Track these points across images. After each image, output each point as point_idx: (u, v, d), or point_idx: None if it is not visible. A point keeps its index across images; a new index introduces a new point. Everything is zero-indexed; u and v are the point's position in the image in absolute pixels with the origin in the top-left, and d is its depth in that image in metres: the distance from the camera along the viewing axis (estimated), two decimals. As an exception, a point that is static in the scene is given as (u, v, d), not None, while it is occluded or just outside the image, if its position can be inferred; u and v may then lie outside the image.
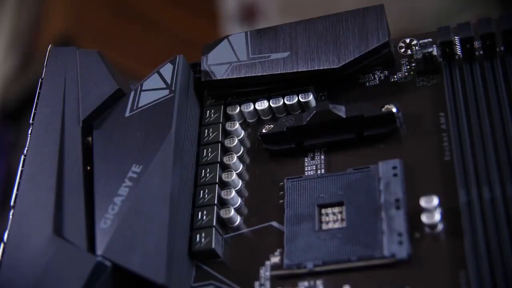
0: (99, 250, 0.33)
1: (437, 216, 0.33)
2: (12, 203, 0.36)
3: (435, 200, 0.33)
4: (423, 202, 0.33)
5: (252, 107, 0.39)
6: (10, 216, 0.36)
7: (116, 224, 0.34)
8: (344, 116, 0.36)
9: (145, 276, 0.32)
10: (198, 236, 0.36)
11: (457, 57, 0.37)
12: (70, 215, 0.34)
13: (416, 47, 0.38)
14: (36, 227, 0.34)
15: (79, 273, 0.32)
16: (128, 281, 0.33)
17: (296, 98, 0.38)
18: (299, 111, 0.39)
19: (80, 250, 0.33)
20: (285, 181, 0.37)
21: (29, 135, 0.38)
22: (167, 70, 0.39)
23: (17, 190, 0.36)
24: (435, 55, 0.37)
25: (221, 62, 0.39)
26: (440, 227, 0.33)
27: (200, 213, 0.36)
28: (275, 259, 0.35)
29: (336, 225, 0.34)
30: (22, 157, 0.37)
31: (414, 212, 0.33)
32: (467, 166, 0.33)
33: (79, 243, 0.33)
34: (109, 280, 0.33)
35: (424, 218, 0.33)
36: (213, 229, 0.36)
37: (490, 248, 0.31)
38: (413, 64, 0.38)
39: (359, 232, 0.33)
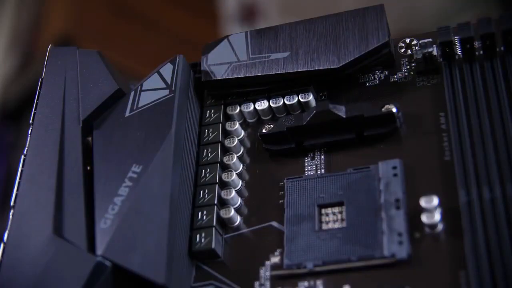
0: (99, 250, 0.33)
1: (437, 216, 0.33)
2: (12, 203, 0.36)
3: (435, 200, 0.33)
4: (423, 202, 0.33)
5: (252, 107, 0.39)
6: (10, 216, 0.36)
7: (116, 224, 0.34)
8: (344, 116, 0.36)
9: (145, 276, 0.32)
10: (198, 236, 0.36)
11: (457, 57, 0.37)
12: (70, 215, 0.34)
13: (416, 47, 0.38)
14: (36, 227, 0.34)
15: (79, 273, 0.32)
16: (128, 281, 0.33)
17: (296, 98, 0.38)
18: (299, 111, 0.39)
19: (80, 250, 0.33)
20: (285, 181, 0.37)
21: (29, 135, 0.38)
22: (167, 70, 0.39)
23: (17, 190, 0.36)
24: (435, 55, 0.37)
25: (221, 62, 0.39)
26: (440, 227, 0.33)
27: (200, 213, 0.36)
28: (275, 259, 0.35)
29: (336, 225, 0.34)
30: (22, 157, 0.37)
31: (414, 212, 0.33)
32: (467, 166, 0.33)
33: (79, 243, 0.33)
34: (109, 280, 0.33)
35: (424, 218, 0.33)
36: (213, 229, 0.36)
37: (490, 248, 0.31)
38: (413, 64, 0.38)
39: (359, 232, 0.33)
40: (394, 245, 0.33)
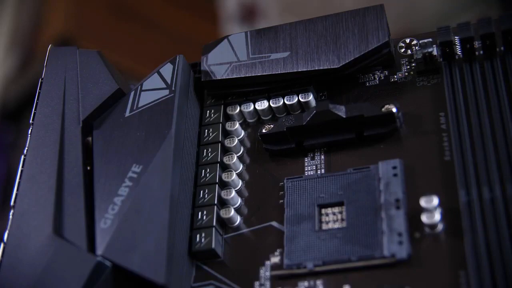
0: (99, 250, 0.33)
1: (437, 216, 0.33)
2: (12, 203, 0.36)
3: (435, 200, 0.33)
4: (423, 202, 0.33)
5: (252, 107, 0.39)
6: (10, 216, 0.36)
7: (116, 224, 0.34)
8: (344, 116, 0.36)
9: (145, 276, 0.32)
10: (198, 236, 0.36)
11: (457, 57, 0.37)
12: (70, 215, 0.34)
13: (416, 47, 0.38)
14: (36, 227, 0.34)
15: (79, 273, 0.32)
16: (128, 281, 0.33)
17: (296, 98, 0.38)
18: (299, 111, 0.39)
19: (80, 250, 0.33)
20: (285, 181, 0.37)
21: (29, 135, 0.38)
22: (167, 70, 0.39)
23: (17, 190, 0.36)
24: (435, 55, 0.37)
25: (221, 62, 0.39)
26: (440, 227, 0.33)
27: (200, 213, 0.36)
28: (275, 259, 0.35)
29: (336, 225, 0.34)
30: (22, 157, 0.37)
31: (414, 212, 0.33)
32: (467, 166, 0.33)
33: (79, 243, 0.33)
34: (109, 280, 0.33)
35: (424, 218, 0.33)
36: (213, 229, 0.36)
37: (490, 248, 0.31)
38: (413, 64, 0.38)
39: (359, 232, 0.33)
40: (394, 245, 0.33)
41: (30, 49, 0.95)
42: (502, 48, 0.36)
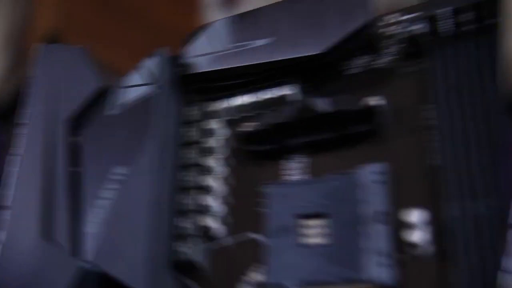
0: (84, 255, 0.32)
1: (425, 233, 0.29)
2: (-1, 204, 0.36)
3: (423, 215, 0.29)
4: (409, 216, 0.30)
5: (233, 103, 0.37)
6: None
7: (100, 229, 0.33)
8: (327, 111, 0.33)
9: (128, 283, 0.31)
10: (180, 245, 0.34)
11: (448, 34, 0.33)
12: (55, 218, 0.34)
13: (402, 25, 0.34)
14: (22, 230, 0.34)
15: (64, 278, 0.32)
16: (112, 287, 0.33)
17: (278, 92, 0.35)
18: (280, 106, 0.35)
19: (65, 255, 0.33)
20: (264, 186, 0.34)
21: (16, 135, 0.38)
22: (149, 65, 0.37)
23: (4, 191, 0.36)
24: (422, 33, 0.33)
25: (201, 53, 0.37)
26: (428, 245, 0.29)
27: (182, 220, 0.35)
28: (255, 272, 0.33)
29: (318, 239, 0.31)
30: (8, 157, 0.37)
31: (399, 229, 0.30)
32: (461, 173, 0.29)
33: (63, 247, 0.33)
34: (94, 286, 0.33)
35: (409, 235, 0.30)
36: (195, 238, 0.34)
37: (486, 269, 0.27)
38: (399, 46, 0.34)
39: (342, 248, 0.30)
40: (378, 267, 0.29)
41: (22, 48, 0.95)
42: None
